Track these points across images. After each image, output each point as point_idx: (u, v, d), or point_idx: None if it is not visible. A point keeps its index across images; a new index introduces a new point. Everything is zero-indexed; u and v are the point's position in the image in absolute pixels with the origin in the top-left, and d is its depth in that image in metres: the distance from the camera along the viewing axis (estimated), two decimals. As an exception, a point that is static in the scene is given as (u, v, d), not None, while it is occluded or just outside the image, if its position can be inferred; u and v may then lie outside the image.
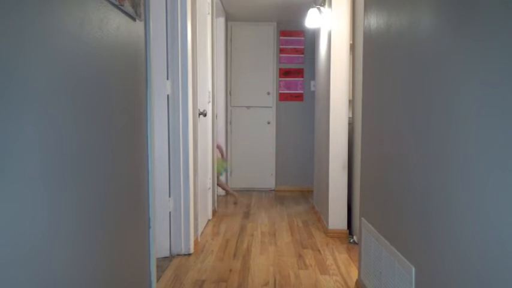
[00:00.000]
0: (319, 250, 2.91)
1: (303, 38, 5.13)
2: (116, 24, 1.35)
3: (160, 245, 2.63)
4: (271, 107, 5.16)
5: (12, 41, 0.80)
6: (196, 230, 2.92)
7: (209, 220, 3.69)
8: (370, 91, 2.09)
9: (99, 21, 1.20)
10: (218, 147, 4.52)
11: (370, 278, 1.97)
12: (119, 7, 1.35)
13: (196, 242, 2.89)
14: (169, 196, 2.68)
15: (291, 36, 5.16)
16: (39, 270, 0.90)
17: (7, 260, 0.79)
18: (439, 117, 1.23)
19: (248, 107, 5.15)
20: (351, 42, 3.14)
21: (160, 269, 2.45)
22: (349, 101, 3.18)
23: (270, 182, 5.17)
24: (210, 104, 3.68)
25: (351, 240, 3.07)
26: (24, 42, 0.84)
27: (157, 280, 2.25)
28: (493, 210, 0.95)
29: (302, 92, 5.18)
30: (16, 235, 0.82)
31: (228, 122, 5.10)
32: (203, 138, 3.35)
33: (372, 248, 1.93)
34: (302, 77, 5.17)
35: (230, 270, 2.53)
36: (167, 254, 2.70)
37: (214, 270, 2.52)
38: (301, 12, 4.52)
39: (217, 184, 4.33)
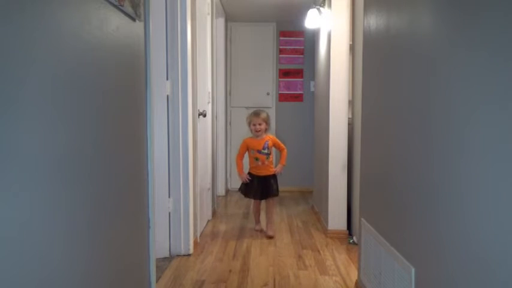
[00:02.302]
0: (318, 251, 2.91)
1: (302, 39, 5.13)
2: (116, 25, 1.34)
3: (159, 245, 2.62)
4: (271, 107, 5.16)
5: (12, 41, 0.80)
6: (195, 230, 2.92)
7: (209, 220, 3.69)
8: (369, 91, 2.09)
9: (99, 22, 1.20)
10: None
11: (370, 279, 1.97)
12: (119, 7, 1.35)
13: (195, 243, 2.89)
14: (169, 196, 2.68)
15: (290, 36, 5.16)
16: (38, 270, 0.90)
17: (6, 259, 0.79)
18: (439, 117, 1.23)
19: (248, 108, 5.14)
20: (351, 42, 3.14)
21: (160, 270, 2.44)
22: (349, 101, 3.18)
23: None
24: (210, 104, 3.68)
25: (351, 241, 3.06)
26: (24, 43, 0.84)
27: (157, 280, 2.25)
28: (494, 211, 0.95)
29: (302, 92, 5.18)
30: (14, 234, 0.82)
31: (227, 123, 5.10)
32: (203, 138, 3.35)
33: (372, 248, 1.93)
34: (302, 78, 5.17)
35: (230, 270, 2.53)
36: (167, 254, 2.70)
37: (214, 270, 2.52)
38: (301, 12, 4.52)
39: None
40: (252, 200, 3.49)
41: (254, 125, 3.27)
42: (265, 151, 3.27)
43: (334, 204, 3.20)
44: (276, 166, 3.37)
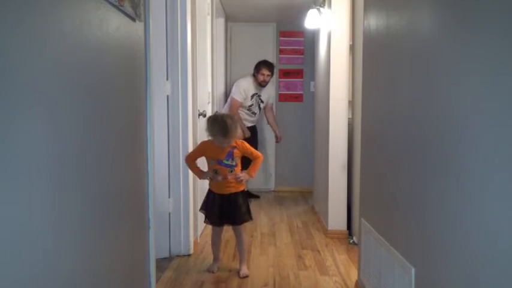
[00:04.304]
0: (318, 251, 2.91)
1: (302, 39, 5.13)
2: (116, 25, 1.34)
3: (159, 245, 2.62)
4: (271, 107, 5.15)
5: (11, 41, 0.80)
6: (195, 230, 2.92)
7: (209, 221, 3.68)
8: (369, 91, 2.09)
9: (98, 22, 1.20)
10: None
11: (370, 279, 1.97)
12: (119, 8, 1.35)
13: (195, 243, 2.89)
14: (169, 197, 2.68)
15: (290, 37, 5.15)
16: (37, 270, 0.90)
17: (6, 259, 0.79)
18: (439, 117, 1.23)
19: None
20: (351, 43, 3.14)
21: (160, 270, 2.44)
22: (349, 101, 3.18)
23: (269, 183, 5.17)
24: (210, 104, 3.68)
25: (351, 241, 3.06)
26: (23, 43, 0.84)
27: (157, 281, 2.25)
28: (494, 211, 0.95)
29: (302, 92, 5.17)
30: (14, 234, 0.82)
31: (227, 123, 5.08)
32: (203, 138, 3.35)
33: (372, 248, 1.93)
34: (302, 78, 5.17)
35: (230, 271, 2.52)
36: (167, 254, 2.70)
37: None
38: (301, 13, 4.52)
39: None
40: (211, 227, 2.57)
41: (221, 142, 2.35)
42: (229, 162, 2.39)
43: (334, 204, 3.20)
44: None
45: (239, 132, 2.39)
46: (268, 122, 4.61)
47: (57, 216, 0.98)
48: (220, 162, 2.39)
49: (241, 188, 2.47)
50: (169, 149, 2.66)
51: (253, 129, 4.36)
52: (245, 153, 2.46)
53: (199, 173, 2.49)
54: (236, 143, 2.42)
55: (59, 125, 0.98)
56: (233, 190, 2.42)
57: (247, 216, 2.46)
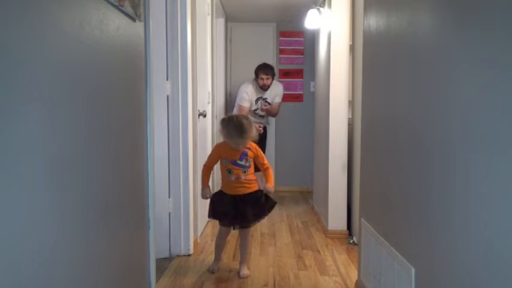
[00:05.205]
0: (318, 251, 2.91)
1: (302, 39, 5.13)
2: (116, 25, 1.34)
3: (159, 245, 2.62)
4: (270, 107, 5.15)
5: (11, 42, 0.80)
6: (195, 230, 2.92)
7: (209, 221, 3.68)
8: (370, 91, 2.09)
9: (98, 22, 1.20)
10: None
11: (370, 279, 1.97)
12: (119, 8, 1.35)
13: (195, 243, 2.89)
14: (169, 197, 2.68)
15: (290, 37, 5.15)
16: (38, 270, 0.90)
17: (6, 260, 0.79)
18: (438, 118, 1.23)
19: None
20: (351, 43, 3.14)
21: (160, 270, 2.44)
22: (349, 101, 3.18)
23: (269, 183, 5.15)
24: (210, 104, 3.68)
25: (351, 241, 3.06)
26: (23, 44, 0.84)
27: (157, 280, 2.25)
28: (493, 211, 0.95)
29: (302, 92, 5.17)
30: (14, 234, 0.82)
31: (227, 123, 5.08)
32: (203, 138, 3.35)
33: (372, 248, 1.93)
34: (302, 78, 5.17)
35: (230, 271, 2.52)
36: (167, 254, 2.70)
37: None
38: (301, 13, 4.52)
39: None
40: (212, 228, 2.55)
41: (237, 144, 2.36)
42: (242, 162, 2.40)
43: (334, 204, 3.20)
44: (260, 185, 2.56)
45: (254, 133, 2.42)
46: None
47: (58, 216, 0.98)
48: (234, 162, 2.41)
49: (254, 189, 2.48)
50: (169, 149, 2.66)
51: (263, 129, 4.37)
52: (257, 158, 2.47)
53: (205, 184, 2.52)
54: (251, 145, 2.44)
55: (59, 125, 0.98)
56: (246, 191, 2.43)
57: (268, 207, 2.47)
